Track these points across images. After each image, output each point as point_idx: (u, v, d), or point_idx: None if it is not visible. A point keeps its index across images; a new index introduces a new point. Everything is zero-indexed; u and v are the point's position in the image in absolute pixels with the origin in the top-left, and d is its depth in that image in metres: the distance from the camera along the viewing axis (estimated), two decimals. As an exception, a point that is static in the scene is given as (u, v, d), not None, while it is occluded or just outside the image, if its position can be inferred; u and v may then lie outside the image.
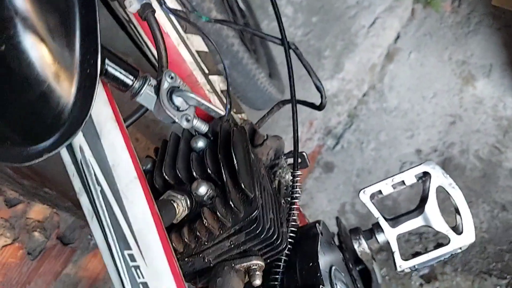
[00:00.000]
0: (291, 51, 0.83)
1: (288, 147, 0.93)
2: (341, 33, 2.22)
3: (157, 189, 0.66)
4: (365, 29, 2.21)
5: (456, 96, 2.12)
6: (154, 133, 1.71)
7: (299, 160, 0.97)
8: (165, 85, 0.44)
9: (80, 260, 1.23)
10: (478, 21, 2.21)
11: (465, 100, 2.10)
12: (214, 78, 0.90)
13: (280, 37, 0.83)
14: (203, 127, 0.50)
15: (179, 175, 0.64)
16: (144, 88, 0.42)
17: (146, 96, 0.43)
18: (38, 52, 0.33)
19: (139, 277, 0.43)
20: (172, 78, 0.44)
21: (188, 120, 0.44)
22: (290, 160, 0.96)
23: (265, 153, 0.93)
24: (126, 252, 0.42)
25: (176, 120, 0.44)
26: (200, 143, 0.68)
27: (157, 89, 0.43)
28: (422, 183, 0.95)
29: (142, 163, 0.74)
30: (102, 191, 0.41)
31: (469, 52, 2.16)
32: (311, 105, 0.86)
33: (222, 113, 0.54)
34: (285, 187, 0.95)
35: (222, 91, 0.92)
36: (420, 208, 0.94)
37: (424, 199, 0.94)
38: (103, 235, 0.41)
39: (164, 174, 0.65)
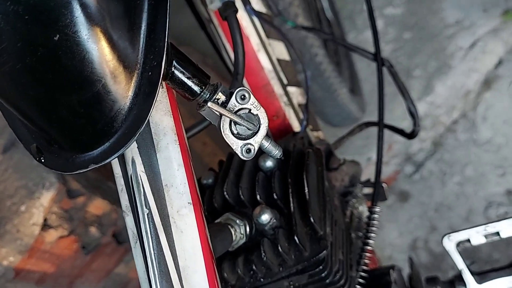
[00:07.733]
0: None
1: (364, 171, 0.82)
2: (434, 53, 2.04)
3: (216, 209, 0.59)
4: (462, 51, 2.02)
5: (562, 136, 1.87)
6: (224, 137, 1.65)
7: (377, 192, 0.86)
8: (233, 106, 0.36)
9: (132, 261, 1.20)
10: None
11: None
12: (292, 90, 0.82)
13: (373, 52, 0.73)
14: (275, 152, 0.43)
15: (242, 196, 0.57)
16: (211, 100, 0.35)
17: (212, 111, 0.35)
18: (95, 45, 0.28)
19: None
20: (243, 98, 0.36)
21: (248, 151, 0.36)
22: (366, 189, 0.86)
23: (339, 178, 0.83)
24: (166, 290, 0.35)
25: (234, 150, 0.36)
26: (269, 163, 0.61)
27: (224, 106, 0.35)
28: (522, 236, 0.81)
29: (204, 177, 0.67)
30: (149, 214, 0.34)
31: None
32: (401, 132, 0.75)
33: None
34: (357, 219, 0.85)
35: (299, 105, 0.83)
36: (515, 265, 0.81)
37: (522, 256, 0.81)
38: (144, 265, 0.35)
39: (225, 193, 0.58)
